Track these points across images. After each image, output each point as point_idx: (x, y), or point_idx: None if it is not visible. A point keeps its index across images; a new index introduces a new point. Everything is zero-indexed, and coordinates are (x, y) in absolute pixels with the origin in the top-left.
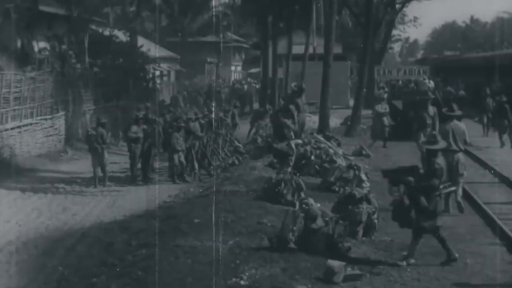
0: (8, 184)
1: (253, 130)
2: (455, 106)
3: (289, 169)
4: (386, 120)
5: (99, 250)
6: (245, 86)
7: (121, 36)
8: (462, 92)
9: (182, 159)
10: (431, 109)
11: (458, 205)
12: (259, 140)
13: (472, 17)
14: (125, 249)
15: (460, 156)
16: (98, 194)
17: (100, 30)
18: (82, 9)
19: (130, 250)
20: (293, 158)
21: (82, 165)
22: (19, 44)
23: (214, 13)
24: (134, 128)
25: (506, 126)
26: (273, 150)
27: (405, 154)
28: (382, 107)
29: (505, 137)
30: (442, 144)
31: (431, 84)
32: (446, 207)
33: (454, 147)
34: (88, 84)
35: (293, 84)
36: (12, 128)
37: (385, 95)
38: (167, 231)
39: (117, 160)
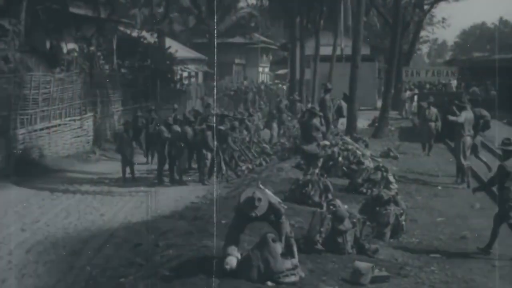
0: (37, 185)
1: (280, 131)
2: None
3: (317, 171)
4: (433, 125)
5: (126, 251)
6: (273, 88)
7: (149, 37)
8: (493, 93)
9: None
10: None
11: None
12: (286, 141)
13: (501, 18)
14: (152, 250)
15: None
16: (126, 195)
17: (128, 31)
18: (111, 10)
19: (158, 250)
20: (321, 159)
21: (110, 166)
22: (48, 45)
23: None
24: (162, 129)
25: None
26: (301, 151)
27: (435, 156)
28: (430, 112)
29: None
30: None
31: (454, 83)
32: None
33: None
34: (116, 85)
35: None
36: (41, 129)
37: (415, 97)
38: (194, 232)
39: (145, 160)
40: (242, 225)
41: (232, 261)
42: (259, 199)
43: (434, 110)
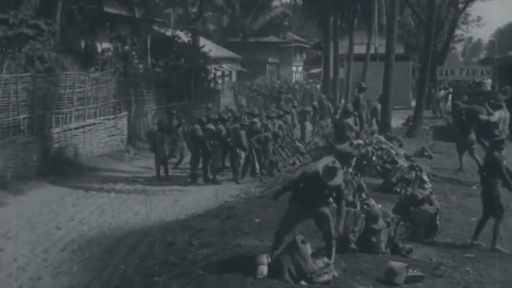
0: (72, 183)
1: (314, 130)
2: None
3: (350, 170)
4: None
5: (160, 249)
6: (307, 86)
7: (183, 36)
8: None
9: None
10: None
11: None
12: (320, 140)
13: None
14: (186, 249)
15: None
16: (159, 194)
17: (162, 30)
18: (145, 10)
19: (191, 249)
20: (354, 158)
21: (144, 165)
22: (82, 45)
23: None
24: (195, 127)
25: None
26: (335, 151)
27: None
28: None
29: None
30: None
31: (489, 83)
32: None
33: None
34: (150, 85)
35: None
36: (75, 128)
37: (450, 96)
38: (228, 231)
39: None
40: (299, 216)
41: (263, 270)
42: (339, 168)
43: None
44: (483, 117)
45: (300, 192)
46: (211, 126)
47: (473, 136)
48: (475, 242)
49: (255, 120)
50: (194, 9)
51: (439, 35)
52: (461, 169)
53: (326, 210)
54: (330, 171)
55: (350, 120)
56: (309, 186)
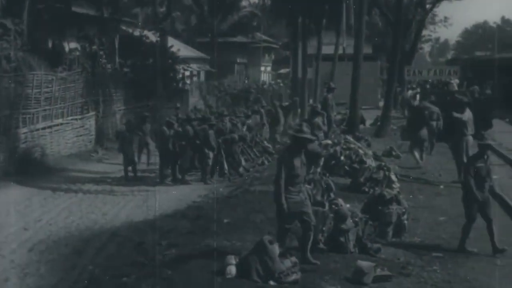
0: (39, 184)
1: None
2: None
3: (319, 170)
4: (435, 124)
5: (129, 250)
6: (275, 87)
7: (151, 36)
8: (488, 92)
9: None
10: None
11: None
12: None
13: (503, 17)
14: (155, 249)
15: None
16: (128, 194)
17: (131, 30)
18: (113, 9)
19: (160, 249)
20: (322, 158)
21: (112, 165)
22: (50, 44)
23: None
24: (164, 128)
25: None
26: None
27: (437, 155)
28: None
29: None
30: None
31: (456, 83)
32: None
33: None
34: (119, 85)
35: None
36: (43, 128)
37: (418, 96)
38: (197, 231)
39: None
40: None
41: (232, 270)
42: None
43: (435, 109)
44: (456, 114)
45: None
46: (178, 127)
47: (424, 133)
48: (469, 249)
49: (224, 120)
50: (162, 9)
51: (407, 36)
52: (419, 165)
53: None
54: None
55: (319, 120)
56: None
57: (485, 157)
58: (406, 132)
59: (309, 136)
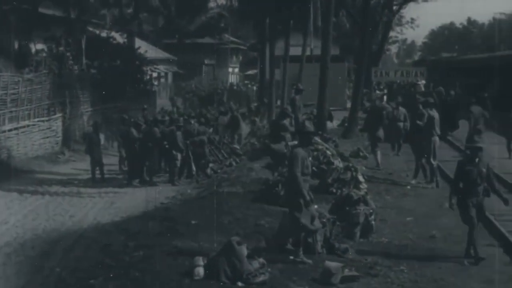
0: (6, 186)
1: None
2: (430, 99)
3: (285, 170)
4: (402, 125)
5: (96, 252)
6: (243, 88)
7: (119, 37)
8: (452, 93)
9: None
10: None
11: None
12: (256, 141)
13: (469, 19)
14: (122, 251)
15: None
16: (95, 196)
17: (98, 31)
18: (80, 11)
19: (128, 251)
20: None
21: (80, 167)
22: (16, 45)
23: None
24: (132, 130)
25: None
26: (270, 151)
27: (404, 156)
28: (399, 113)
29: None
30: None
31: (423, 84)
32: None
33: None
34: (86, 86)
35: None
36: (9, 130)
37: (385, 97)
38: (165, 233)
39: (115, 161)
40: None
41: (200, 271)
42: None
43: (402, 110)
44: (419, 122)
45: None
46: (146, 128)
47: (381, 133)
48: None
49: (192, 121)
50: (130, 10)
51: (374, 37)
52: (378, 167)
53: None
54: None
55: (287, 122)
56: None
57: (476, 160)
58: (363, 131)
59: (312, 129)
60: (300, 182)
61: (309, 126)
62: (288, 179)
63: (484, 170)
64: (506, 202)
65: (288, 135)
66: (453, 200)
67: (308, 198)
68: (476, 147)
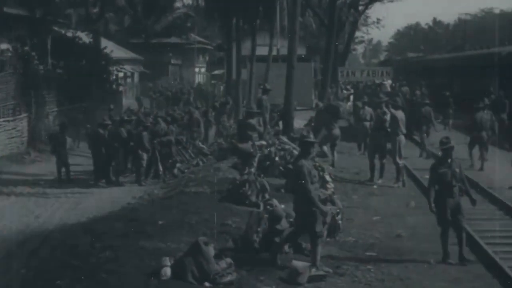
0: None
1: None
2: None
3: (253, 170)
4: (368, 125)
5: (62, 253)
6: (209, 88)
7: (84, 37)
8: (418, 92)
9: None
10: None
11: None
12: (223, 141)
13: (434, 19)
14: (89, 252)
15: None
16: (61, 196)
17: (63, 31)
18: (45, 10)
19: (94, 252)
20: (256, 159)
21: (45, 167)
22: None
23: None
24: (99, 129)
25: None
26: (237, 151)
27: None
28: (365, 112)
29: None
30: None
31: (389, 83)
32: None
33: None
34: (51, 86)
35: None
36: None
37: (351, 97)
38: (131, 233)
39: (80, 162)
40: None
41: (167, 271)
42: None
43: (368, 109)
44: (390, 111)
45: None
46: (112, 128)
47: (337, 131)
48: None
49: (159, 121)
50: (95, 10)
51: (340, 37)
52: (333, 165)
53: None
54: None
55: (253, 121)
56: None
57: (449, 161)
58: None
59: (313, 139)
60: (313, 198)
61: (310, 135)
62: (298, 191)
63: (457, 170)
64: (474, 202)
65: (255, 135)
66: (432, 204)
67: (324, 210)
68: (448, 148)
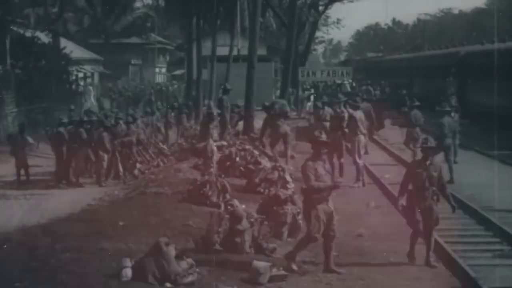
0: None
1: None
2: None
3: (213, 170)
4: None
5: (22, 255)
6: (170, 88)
7: (43, 37)
8: (377, 92)
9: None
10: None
11: None
12: (184, 142)
13: (394, 19)
14: (49, 253)
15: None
16: (21, 198)
17: (22, 31)
18: (3, 10)
19: (54, 254)
20: (214, 159)
21: (4, 168)
22: None
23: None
24: (60, 130)
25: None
26: (195, 151)
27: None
28: (325, 112)
29: None
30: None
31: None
32: None
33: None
34: (10, 86)
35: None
36: None
37: (312, 97)
38: (92, 234)
39: (40, 163)
40: None
41: (127, 273)
42: None
43: (328, 109)
44: (348, 110)
45: None
46: (72, 129)
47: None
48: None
49: (119, 122)
50: (55, 10)
51: (301, 37)
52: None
53: None
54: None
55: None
56: None
57: (427, 162)
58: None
59: (325, 139)
60: (314, 184)
61: (321, 135)
62: (305, 192)
63: (434, 173)
64: (453, 209)
65: (215, 135)
66: (400, 201)
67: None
68: (426, 148)
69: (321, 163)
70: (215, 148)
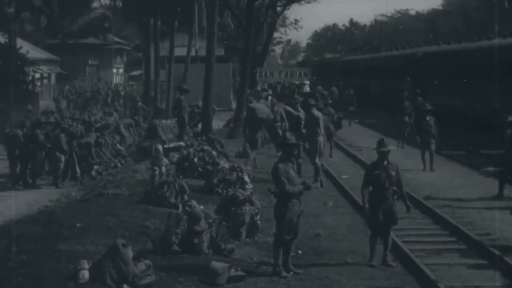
0: None
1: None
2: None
3: (164, 170)
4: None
5: None
6: (127, 88)
7: None
8: (326, 92)
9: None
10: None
11: None
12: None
13: (351, 20)
14: (5, 255)
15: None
16: None
17: None
18: None
19: (11, 256)
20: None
21: None
22: None
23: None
24: (17, 131)
25: None
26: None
27: None
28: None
29: None
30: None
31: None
32: None
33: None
34: None
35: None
36: None
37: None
38: (49, 236)
39: None
40: None
41: (85, 274)
42: None
43: (280, 110)
44: (294, 113)
45: None
46: (28, 130)
47: (259, 134)
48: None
49: (76, 123)
50: (11, 9)
51: (259, 38)
52: (256, 167)
53: None
54: None
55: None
56: None
57: (385, 163)
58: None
59: (294, 141)
60: (289, 189)
61: (291, 137)
62: (276, 194)
63: (393, 173)
64: (408, 209)
65: (170, 135)
66: (366, 204)
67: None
68: (384, 151)
69: (291, 165)
70: (160, 148)
